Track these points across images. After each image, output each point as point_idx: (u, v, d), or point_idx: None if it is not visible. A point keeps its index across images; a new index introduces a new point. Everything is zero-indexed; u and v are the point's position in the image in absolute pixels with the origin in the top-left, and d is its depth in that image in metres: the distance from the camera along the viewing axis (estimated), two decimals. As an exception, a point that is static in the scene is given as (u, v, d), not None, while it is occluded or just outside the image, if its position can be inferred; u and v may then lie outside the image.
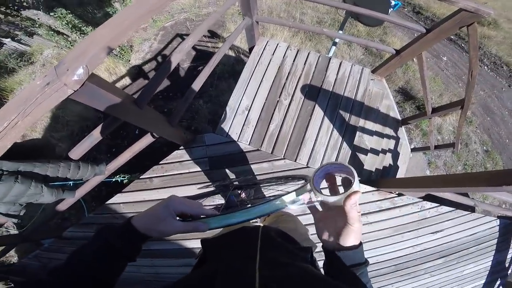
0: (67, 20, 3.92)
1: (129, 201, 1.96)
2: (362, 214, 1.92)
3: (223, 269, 0.45)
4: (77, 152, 1.25)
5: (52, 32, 4.01)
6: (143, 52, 4.33)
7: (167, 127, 1.53)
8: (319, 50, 4.49)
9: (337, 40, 2.60)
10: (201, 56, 4.19)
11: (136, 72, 4.12)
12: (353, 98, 2.07)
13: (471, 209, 2.10)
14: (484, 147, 4.24)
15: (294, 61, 2.20)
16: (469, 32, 1.51)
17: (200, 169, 1.94)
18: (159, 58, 4.25)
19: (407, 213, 1.94)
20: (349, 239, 0.48)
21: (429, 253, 2.04)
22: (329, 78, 2.14)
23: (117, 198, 1.96)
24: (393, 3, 2.29)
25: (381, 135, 2.49)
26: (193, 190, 1.94)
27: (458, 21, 1.52)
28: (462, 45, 5.55)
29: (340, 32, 2.41)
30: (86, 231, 1.98)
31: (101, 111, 1.00)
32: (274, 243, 0.61)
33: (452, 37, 5.46)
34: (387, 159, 2.66)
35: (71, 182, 1.54)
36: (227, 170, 1.94)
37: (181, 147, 1.93)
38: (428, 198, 1.99)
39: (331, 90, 2.10)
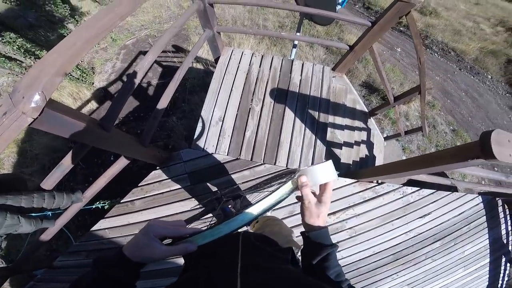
0: (17, 45, 3.67)
1: (114, 226, 1.91)
2: (348, 207, 1.96)
3: (205, 276, 0.47)
4: (48, 182, 1.24)
5: (3, 59, 3.75)
6: (106, 73, 4.18)
7: (139, 148, 1.50)
8: (284, 54, 4.63)
9: (296, 42, 2.71)
10: (169, 72, 4.14)
11: (102, 95, 3.96)
12: (319, 96, 2.16)
13: (453, 189, 2.21)
14: (451, 127, 4.56)
15: (260, 66, 2.26)
16: (408, 21, 1.64)
17: (181, 186, 1.91)
18: (124, 78, 4.13)
19: (391, 201, 1.99)
20: (310, 219, 0.61)
21: (424, 237, 2.06)
22: (294, 79, 2.22)
23: (101, 224, 1.91)
24: (340, 0, 2.41)
25: (351, 128, 2.62)
26: (177, 208, 1.90)
27: (396, 11, 1.64)
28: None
29: (298, 34, 2.51)
30: (76, 259, 1.94)
31: (71, 140, 0.98)
32: (255, 248, 0.63)
33: (401, 28, 5.89)
34: (363, 151, 2.78)
35: (49, 212, 1.49)
36: (209, 184, 1.93)
37: (158, 167, 1.90)
38: (409, 183, 2.08)
39: (297, 91, 2.18)
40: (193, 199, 1.91)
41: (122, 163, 1.56)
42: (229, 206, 1.90)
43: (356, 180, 1.97)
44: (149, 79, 4.10)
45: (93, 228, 1.92)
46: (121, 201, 1.93)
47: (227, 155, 1.95)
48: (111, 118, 1.11)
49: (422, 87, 1.98)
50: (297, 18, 5.19)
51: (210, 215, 1.92)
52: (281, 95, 2.15)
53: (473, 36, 6.08)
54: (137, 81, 1.23)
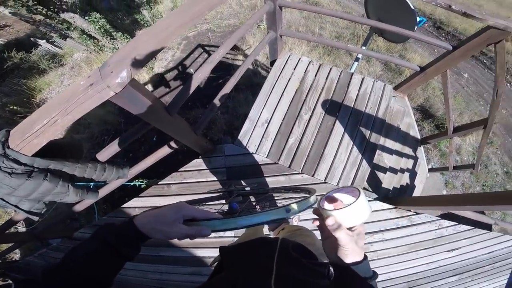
0: (99, 25, 4.09)
1: (144, 206, 1.98)
2: (378, 231, 1.90)
3: (241, 280, 0.47)
4: (104, 154, 1.30)
5: (85, 36, 4.19)
6: (166, 61, 4.47)
7: (191, 135, 1.56)
8: (337, 65, 4.50)
9: (359, 56, 2.61)
10: (219, 67, 4.29)
11: (158, 80, 4.25)
12: (375, 115, 2.05)
13: (489, 228, 2.04)
14: (505, 169, 4.11)
15: (315, 75, 2.22)
16: (497, 49, 1.47)
17: (217, 179, 1.96)
18: (181, 68, 4.37)
19: (424, 231, 1.91)
20: (346, 259, 0.48)
21: (444, 270, 1.99)
22: (350, 94, 2.14)
23: (133, 202, 1.98)
24: (418, 19, 2.22)
25: (400, 154, 2.44)
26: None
27: (486, 39, 1.47)
28: (484, 61, 5.39)
29: (364, 48, 2.42)
30: (98, 233, 1.99)
31: (122, 116, 1.02)
32: (291, 257, 0.61)
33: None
34: (405, 178, 2.59)
35: (92, 184, 1.50)
36: (243, 182, 1.95)
37: (200, 156, 1.96)
38: (446, 216, 1.98)
39: (352, 106, 2.09)
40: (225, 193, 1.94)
41: (172, 147, 1.64)
42: (257, 207, 1.89)
43: (393, 207, 1.88)
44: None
45: (124, 205, 1.97)
46: (159, 183, 1.99)
47: (266, 157, 1.95)
48: (177, 104, 1.18)
49: (490, 121, 1.79)
50: (357, 30, 5.01)
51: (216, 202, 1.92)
52: (333, 108, 2.09)
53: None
54: (206, 72, 1.28)
